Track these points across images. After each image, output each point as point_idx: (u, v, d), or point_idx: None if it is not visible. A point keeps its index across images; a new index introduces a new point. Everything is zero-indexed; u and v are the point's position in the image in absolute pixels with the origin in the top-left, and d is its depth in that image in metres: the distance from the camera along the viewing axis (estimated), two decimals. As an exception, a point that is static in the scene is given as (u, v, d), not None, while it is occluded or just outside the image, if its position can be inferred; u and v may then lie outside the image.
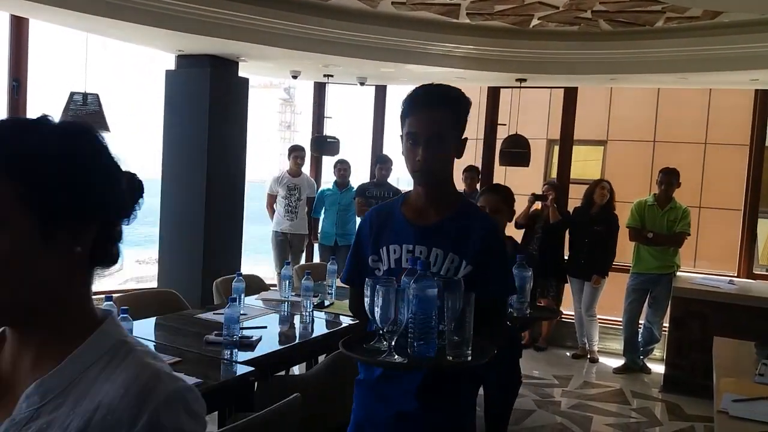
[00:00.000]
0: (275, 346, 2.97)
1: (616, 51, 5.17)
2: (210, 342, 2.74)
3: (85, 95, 5.23)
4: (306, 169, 6.50)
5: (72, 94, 5.18)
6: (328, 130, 6.78)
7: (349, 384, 2.64)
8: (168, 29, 4.52)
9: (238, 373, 2.49)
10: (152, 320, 3.13)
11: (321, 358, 4.00)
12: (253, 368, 2.45)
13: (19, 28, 5.07)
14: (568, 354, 5.66)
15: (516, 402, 4.43)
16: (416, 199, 1.73)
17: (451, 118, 1.63)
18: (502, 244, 1.77)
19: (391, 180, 6.10)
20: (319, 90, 7.03)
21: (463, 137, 1.70)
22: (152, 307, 3.33)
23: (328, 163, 6.78)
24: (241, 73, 5.82)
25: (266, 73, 6.90)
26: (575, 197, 6.13)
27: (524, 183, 7.73)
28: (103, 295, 2.66)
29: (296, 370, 3.98)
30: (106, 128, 5.24)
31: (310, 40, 5.01)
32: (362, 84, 6.55)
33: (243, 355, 2.64)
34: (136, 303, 3.00)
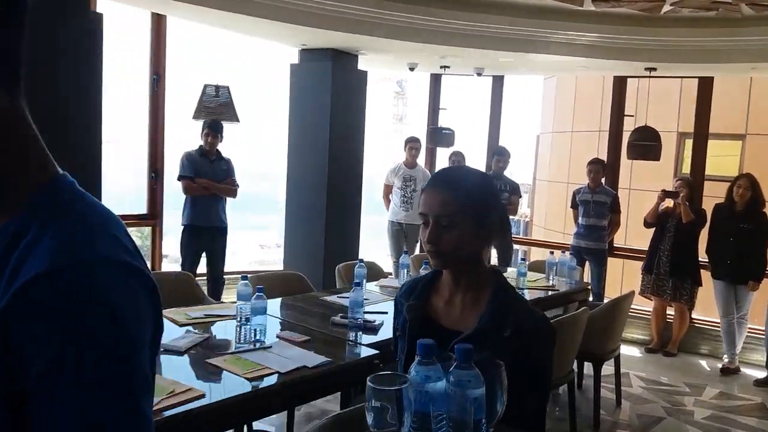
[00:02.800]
0: (396, 332, 3.01)
1: (760, 37, 4.74)
2: (336, 323, 2.83)
3: (217, 87, 5.57)
4: (421, 160, 6.53)
5: (205, 87, 5.54)
6: (443, 121, 6.78)
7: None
8: (292, 23, 4.69)
9: (362, 355, 2.55)
10: (279, 300, 3.29)
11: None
12: (377, 351, 2.51)
13: (158, 25, 5.48)
14: (701, 362, 5.28)
15: (643, 407, 4.23)
16: None
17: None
18: None
19: (507, 173, 5.99)
20: (435, 81, 7.04)
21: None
22: (280, 288, 3.50)
23: (443, 154, 6.78)
24: (360, 67, 5.94)
25: (384, 66, 7.00)
26: (710, 195, 5.71)
27: (653, 179, 7.32)
28: (239, 275, 2.83)
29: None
30: (236, 119, 5.55)
31: (430, 31, 5.01)
32: (479, 74, 6.47)
33: (367, 338, 2.71)
34: (267, 283, 3.14)
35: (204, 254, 5.00)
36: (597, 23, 4.96)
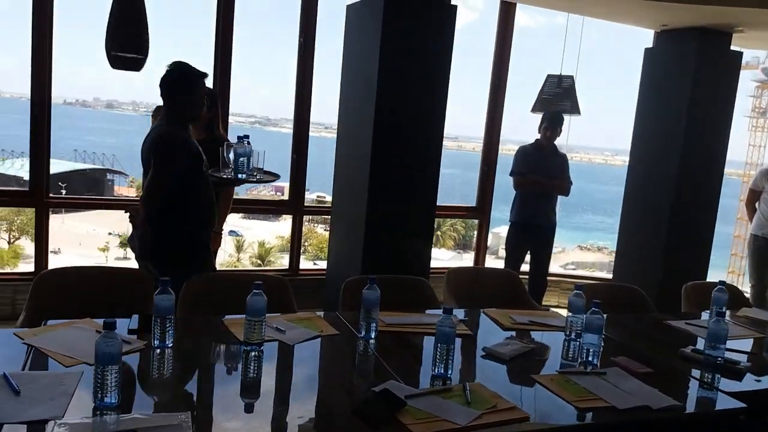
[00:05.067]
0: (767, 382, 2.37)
1: None
2: (687, 357, 2.34)
3: (559, 77, 5.30)
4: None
5: (548, 77, 5.32)
6: None
7: None
8: (655, 0, 4.14)
9: (720, 406, 2.04)
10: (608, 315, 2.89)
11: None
12: (743, 404, 1.97)
13: (506, 14, 5.44)
14: None
15: None
16: None
17: None
18: None
19: None
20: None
21: None
22: (611, 301, 3.09)
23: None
24: (734, 47, 5.00)
25: (766, 45, 5.82)
26: None
27: None
28: (572, 282, 2.55)
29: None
30: (577, 111, 5.22)
31: None
32: None
33: (726, 383, 2.17)
34: (603, 295, 2.77)
35: (529, 252, 4.81)
36: None
